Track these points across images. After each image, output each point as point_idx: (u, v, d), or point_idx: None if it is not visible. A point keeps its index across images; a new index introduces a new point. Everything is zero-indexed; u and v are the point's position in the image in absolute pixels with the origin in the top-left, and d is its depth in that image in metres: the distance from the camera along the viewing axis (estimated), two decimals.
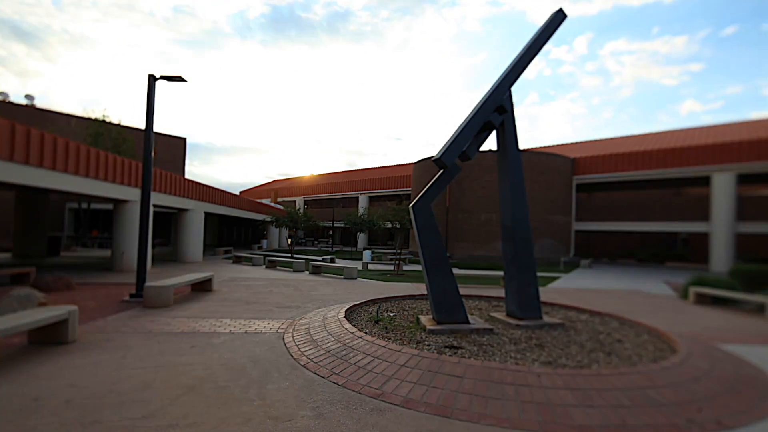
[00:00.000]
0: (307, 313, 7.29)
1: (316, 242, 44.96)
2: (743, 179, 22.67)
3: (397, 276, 14.98)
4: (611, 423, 3.27)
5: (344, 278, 13.85)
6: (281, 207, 34.55)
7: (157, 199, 15.27)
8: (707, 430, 3.26)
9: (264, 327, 6.39)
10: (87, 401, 3.46)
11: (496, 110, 6.27)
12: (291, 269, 16.70)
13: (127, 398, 3.54)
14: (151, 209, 13.34)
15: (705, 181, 23.83)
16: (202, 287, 9.93)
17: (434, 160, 5.83)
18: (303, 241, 45.47)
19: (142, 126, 8.91)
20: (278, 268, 17.39)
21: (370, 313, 6.71)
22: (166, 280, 8.64)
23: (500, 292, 8.47)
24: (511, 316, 6.41)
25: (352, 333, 5.26)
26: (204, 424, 3.11)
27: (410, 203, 6.13)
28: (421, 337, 5.32)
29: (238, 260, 19.88)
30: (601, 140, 34.62)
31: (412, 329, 5.69)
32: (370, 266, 18.89)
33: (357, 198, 44.09)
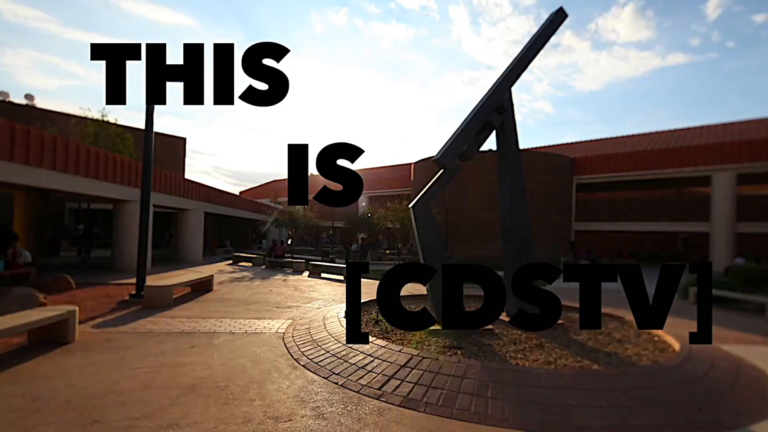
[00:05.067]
0: (307, 313, 7.30)
1: (319, 241, 44.70)
2: (743, 179, 22.67)
3: None
4: (611, 423, 3.27)
5: (344, 278, 13.85)
6: (281, 207, 34.54)
7: (156, 199, 15.24)
8: (707, 430, 3.26)
9: (264, 327, 6.39)
10: (87, 401, 3.46)
11: (496, 110, 6.28)
12: (291, 269, 16.71)
13: (127, 398, 3.54)
14: (151, 209, 13.35)
15: (705, 181, 23.83)
16: (202, 287, 9.92)
17: (434, 161, 5.83)
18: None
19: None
20: (278, 268, 17.39)
21: (370, 314, 6.72)
22: (166, 279, 8.64)
23: None
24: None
25: None
26: (204, 424, 3.11)
27: (410, 203, 6.12)
28: (421, 338, 5.32)
29: (238, 260, 19.88)
30: (601, 140, 34.59)
31: None
32: (371, 266, 18.87)
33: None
